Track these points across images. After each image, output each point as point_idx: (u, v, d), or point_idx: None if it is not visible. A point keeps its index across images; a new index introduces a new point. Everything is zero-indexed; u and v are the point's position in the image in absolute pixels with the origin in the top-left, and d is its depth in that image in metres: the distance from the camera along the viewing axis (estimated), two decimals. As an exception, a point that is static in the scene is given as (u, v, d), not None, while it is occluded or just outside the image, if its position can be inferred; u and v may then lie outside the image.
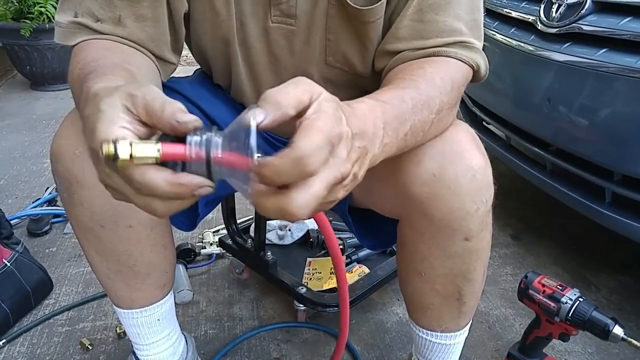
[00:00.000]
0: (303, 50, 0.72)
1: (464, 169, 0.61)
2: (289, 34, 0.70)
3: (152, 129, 0.40)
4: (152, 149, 0.37)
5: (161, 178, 0.38)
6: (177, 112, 0.38)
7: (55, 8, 2.61)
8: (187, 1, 0.69)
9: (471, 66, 0.64)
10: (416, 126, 0.54)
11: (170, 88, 0.79)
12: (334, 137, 0.39)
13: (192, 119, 0.38)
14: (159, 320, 0.82)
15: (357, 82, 0.76)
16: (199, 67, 0.89)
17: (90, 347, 1.08)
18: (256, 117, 0.37)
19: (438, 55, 0.63)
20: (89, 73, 0.52)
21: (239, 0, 0.69)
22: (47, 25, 2.63)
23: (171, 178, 0.38)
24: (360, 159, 0.44)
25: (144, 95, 0.39)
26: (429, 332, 0.79)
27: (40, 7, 2.61)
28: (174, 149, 0.38)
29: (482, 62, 0.66)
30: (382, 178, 0.66)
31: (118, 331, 1.12)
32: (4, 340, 1.09)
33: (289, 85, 0.40)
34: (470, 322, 0.80)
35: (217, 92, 0.84)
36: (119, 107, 0.39)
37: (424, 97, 0.55)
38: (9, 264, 1.16)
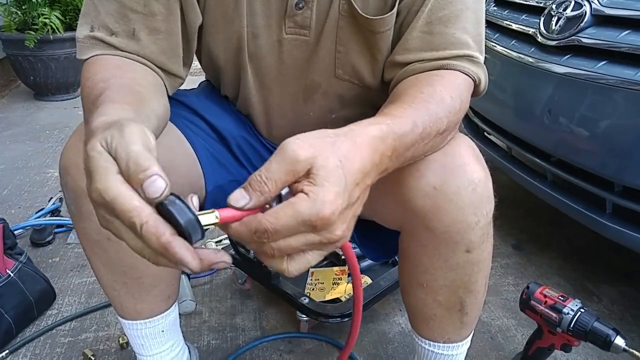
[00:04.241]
0: (313, 61, 0.73)
1: (465, 182, 0.62)
2: (303, 44, 0.72)
3: None
4: (210, 217, 0.40)
5: (153, 233, 0.37)
6: (145, 182, 0.38)
7: (59, 20, 2.67)
8: (201, 13, 0.71)
9: (474, 80, 0.65)
10: (419, 150, 0.55)
11: (177, 100, 0.80)
12: (316, 219, 0.40)
13: (157, 192, 0.38)
14: (163, 331, 0.82)
15: (366, 95, 0.77)
16: (203, 78, 0.90)
17: (93, 358, 1.08)
18: (238, 202, 0.41)
19: (446, 69, 0.64)
20: (98, 95, 0.53)
21: (251, 13, 0.70)
22: (51, 37, 2.66)
23: (162, 240, 0.37)
24: (360, 202, 0.46)
25: (125, 153, 0.39)
26: (431, 342, 0.79)
27: (45, 18, 2.63)
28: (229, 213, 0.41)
29: (483, 77, 0.67)
30: (384, 191, 0.67)
31: (121, 342, 1.12)
32: (6, 351, 1.09)
33: (273, 164, 0.41)
34: (473, 332, 0.81)
35: (223, 105, 0.85)
36: (102, 150, 0.40)
37: (433, 118, 0.55)
38: (12, 275, 1.16)
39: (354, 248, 1.22)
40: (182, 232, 0.38)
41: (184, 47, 0.70)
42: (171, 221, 0.38)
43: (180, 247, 0.38)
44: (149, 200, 0.38)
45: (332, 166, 0.41)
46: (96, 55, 0.63)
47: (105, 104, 0.50)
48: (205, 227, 0.39)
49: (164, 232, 0.37)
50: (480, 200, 0.63)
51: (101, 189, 0.38)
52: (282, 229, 0.40)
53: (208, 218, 0.39)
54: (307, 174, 0.41)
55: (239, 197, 0.41)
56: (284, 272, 0.42)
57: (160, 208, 0.38)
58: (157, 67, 0.67)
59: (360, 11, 0.67)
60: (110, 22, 0.63)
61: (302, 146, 0.41)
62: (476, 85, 0.66)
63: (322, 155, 0.41)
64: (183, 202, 0.38)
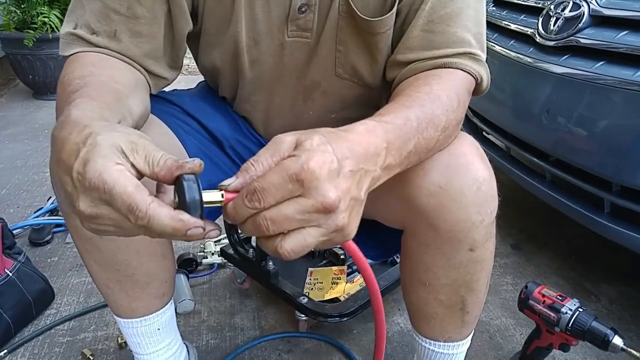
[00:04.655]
0: (314, 61, 0.73)
1: (469, 181, 0.62)
2: (304, 46, 0.72)
3: (141, 176, 0.42)
4: (217, 195, 0.42)
5: (165, 214, 0.39)
6: (177, 161, 0.41)
7: (58, 19, 2.66)
8: (200, 17, 0.71)
9: (475, 78, 0.65)
10: (421, 145, 0.55)
11: (170, 101, 0.80)
12: (300, 172, 0.40)
13: (199, 161, 0.41)
14: (159, 329, 0.82)
15: (367, 95, 0.77)
16: (202, 78, 0.90)
17: (92, 358, 1.08)
18: (225, 182, 0.43)
19: (447, 67, 0.64)
20: (74, 91, 0.53)
21: (252, 20, 0.70)
22: (50, 36, 2.65)
23: (173, 214, 0.40)
24: (356, 181, 0.45)
25: (144, 146, 0.42)
26: (432, 341, 0.79)
27: (44, 17, 2.63)
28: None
29: (485, 75, 0.67)
30: (387, 189, 0.67)
31: (119, 341, 1.12)
32: (5, 351, 1.09)
33: (261, 151, 0.44)
34: (473, 331, 0.81)
35: (218, 106, 0.85)
36: (116, 147, 0.41)
37: (429, 115, 0.55)
38: (11, 274, 1.16)
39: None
40: (185, 207, 0.40)
41: (171, 51, 0.70)
42: (179, 196, 0.41)
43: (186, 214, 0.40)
44: (175, 170, 0.41)
45: (316, 138, 0.43)
46: (77, 52, 0.63)
47: (82, 98, 0.50)
48: (208, 205, 0.41)
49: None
50: (485, 199, 0.63)
51: (102, 170, 0.39)
52: (269, 186, 0.40)
53: (213, 195, 0.42)
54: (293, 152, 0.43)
55: (227, 180, 0.43)
56: (279, 252, 0.42)
57: (179, 179, 0.41)
58: (140, 66, 0.67)
59: (359, 13, 0.67)
60: (92, 21, 0.63)
61: (288, 134, 0.44)
62: (478, 84, 0.66)
63: (306, 135, 0.44)
64: (198, 183, 0.41)
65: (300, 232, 0.42)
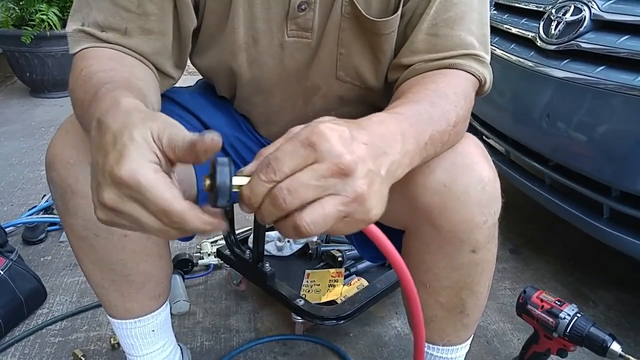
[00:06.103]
0: (314, 64, 0.72)
1: (474, 180, 0.61)
2: (305, 47, 0.71)
3: (172, 161, 0.42)
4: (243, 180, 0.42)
5: (197, 217, 0.40)
6: (195, 139, 0.40)
7: (57, 16, 2.65)
8: (199, 15, 0.70)
9: (479, 79, 0.65)
10: (435, 137, 0.54)
11: (170, 98, 0.79)
12: (311, 135, 0.40)
13: (211, 136, 0.40)
14: (153, 331, 0.81)
15: (367, 96, 0.76)
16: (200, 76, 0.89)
17: (84, 359, 1.07)
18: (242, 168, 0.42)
19: (451, 68, 0.63)
20: (104, 82, 0.52)
21: (252, 18, 0.69)
22: (48, 33, 2.64)
23: (204, 218, 0.40)
24: (373, 155, 0.43)
25: (169, 133, 0.41)
26: (430, 345, 0.78)
27: (42, 14, 2.62)
28: None
29: (488, 77, 0.67)
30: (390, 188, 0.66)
31: (112, 342, 1.11)
32: (-5, 350, 1.08)
33: (277, 141, 0.43)
34: (472, 336, 0.80)
35: (218, 104, 0.84)
36: (150, 139, 0.40)
37: (439, 110, 0.55)
38: (2, 273, 1.14)
39: (351, 250, 1.23)
40: (216, 191, 0.40)
41: (177, 49, 0.70)
42: (212, 179, 0.41)
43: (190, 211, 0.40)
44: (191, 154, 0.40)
45: (328, 117, 0.43)
46: (88, 47, 0.62)
47: (119, 90, 0.49)
48: (235, 190, 0.41)
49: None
50: (489, 199, 0.63)
51: (136, 169, 0.39)
52: (282, 155, 0.39)
53: (241, 180, 0.42)
54: None
55: (244, 166, 0.43)
56: (299, 227, 0.39)
57: (212, 162, 0.41)
58: (150, 63, 0.66)
59: (364, 13, 0.66)
60: (100, 20, 0.62)
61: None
62: (481, 85, 0.66)
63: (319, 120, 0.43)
64: (230, 167, 0.41)
65: (319, 202, 0.39)
